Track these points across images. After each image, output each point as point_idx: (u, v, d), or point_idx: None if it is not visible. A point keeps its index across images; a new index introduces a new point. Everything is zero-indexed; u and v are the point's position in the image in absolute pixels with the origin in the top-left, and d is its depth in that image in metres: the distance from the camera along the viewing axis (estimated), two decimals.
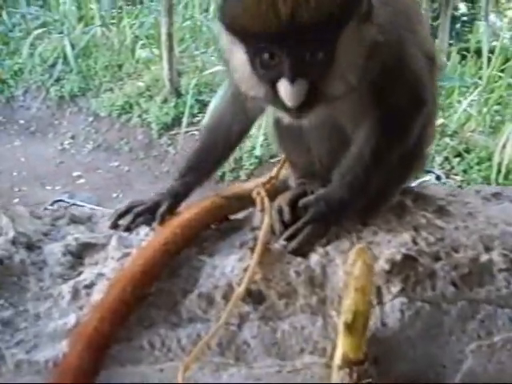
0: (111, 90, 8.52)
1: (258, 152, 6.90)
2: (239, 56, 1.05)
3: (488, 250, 1.18)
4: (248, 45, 1.02)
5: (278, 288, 1.06)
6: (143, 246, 1.08)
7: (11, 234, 1.08)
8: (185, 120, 7.29)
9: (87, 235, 1.12)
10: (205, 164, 1.39)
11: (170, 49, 7.85)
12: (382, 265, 1.10)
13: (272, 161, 7.08)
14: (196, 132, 7.67)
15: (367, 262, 1.01)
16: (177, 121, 7.93)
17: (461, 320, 1.06)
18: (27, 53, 9.16)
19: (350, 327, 0.97)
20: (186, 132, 7.45)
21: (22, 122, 9.07)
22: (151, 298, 1.03)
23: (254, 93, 1.09)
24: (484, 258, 1.15)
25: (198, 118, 7.77)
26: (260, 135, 6.84)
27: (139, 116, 8.14)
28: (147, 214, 1.23)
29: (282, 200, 1.30)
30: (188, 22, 9.61)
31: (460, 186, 4.94)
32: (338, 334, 0.99)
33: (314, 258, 1.13)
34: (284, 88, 1.01)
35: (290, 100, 1.01)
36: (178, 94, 8.06)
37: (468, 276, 1.12)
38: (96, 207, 4.91)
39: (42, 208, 1.26)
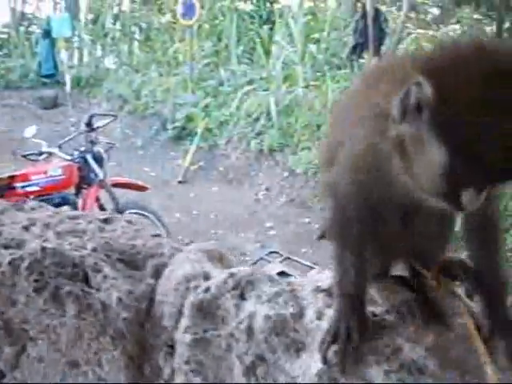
0: (309, 148, 8.85)
1: None
2: (436, 159, 1.05)
3: None
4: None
5: None
6: None
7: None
8: None
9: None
10: None
11: None
12: None
13: None
14: None
15: None
16: None
17: None
18: (235, 106, 9.88)
19: None
20: None
21: (221, 169, 9.73)
22: None
23: (430, 189, 1.10)
24: None
25: None
26: None
27: None
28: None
29: None
30: None
31: None
32: None
33: None
34: (470, 195, 1.06)
35: (471, 206, 1.08)
36: None
37: None
38: (311, 264, 5.11)
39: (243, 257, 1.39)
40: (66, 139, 6.58)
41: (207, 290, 1.33)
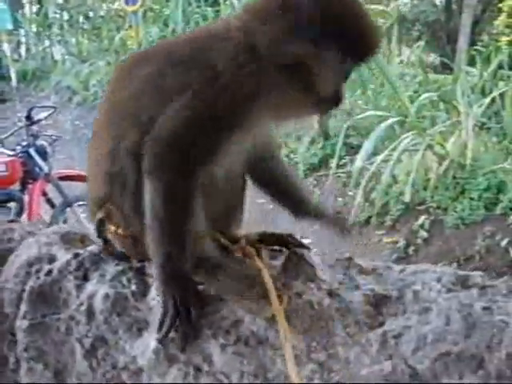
0: None
1: (406, 198, 6.79)
2: (329, 68, 1.26)
3: None
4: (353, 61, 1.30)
5: None
6: None
7: (316, 281, 1.18)
8: (335, 162, 7.37)
9: (380, 287, 1.19)
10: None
11: None
12: None
13: (419, 208, 6.99)
14: (342, 174, 7.76)
15: None
16: (323, 162, 8.07)
17: None
18: None
19: None
20: (334, 174, 7.54)
21: None
22: None
23: (323, 93, 1.28)
24: None
25: (344, 161, 7.86)
26: (409, 181, 6.77)
27: (287, 156, 8.36)
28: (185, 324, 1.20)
29: None
30: None
31: None
32: None
33: None
34: (343, 88, 1.32)
35: (344, 96, 1.32)
36: (326, 136, 8.21)
37: None
38: None
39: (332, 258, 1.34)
40: (8, 134, 6.42)
41: (49, 272, 1.26)
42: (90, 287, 1.22)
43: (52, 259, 1.31)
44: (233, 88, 1.20)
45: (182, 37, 1.76)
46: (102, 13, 14.55)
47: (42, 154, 6.20)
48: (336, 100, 1.32)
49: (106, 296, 1.18)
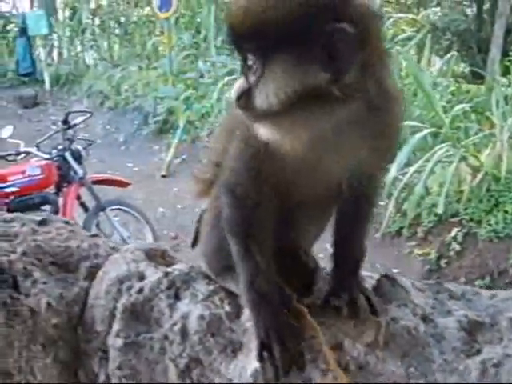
0: None
1: (439, 209, 6.73)
2: None
3: None
4: None
5: None
6: None
7: (410, 305, 1.18)
8: None
9: (472, 312, 1.18)
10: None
11: None
12: None
13: (452, 220, 6.92)
14: None
15: None
16: None
17: None
18: (215, 98, 9.80)
19: None
20: None
21: (204, 161, 9.65)
22: None
23: None
24: None
25: None
26: (442, 192, 6.72)
27: None
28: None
29: None
30: None
31: None
32: None
33: None
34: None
35: (233, 90, 1.15)
36: None
37: None
38: None
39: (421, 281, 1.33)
40: (44, 138, 6.52)
41: (140, 291, 1.27)
42: (182, 307, 1.24)
43: (141, 277, 1.33)
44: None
45: None
46: (134, 18, 14.70)
47: (77, 157, 6.27)
48: None
49: (201, 317, 1.19)
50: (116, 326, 1.26)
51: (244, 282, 1.20)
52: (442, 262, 6.58)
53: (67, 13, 15.70)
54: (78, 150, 6.32)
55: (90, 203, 6.28)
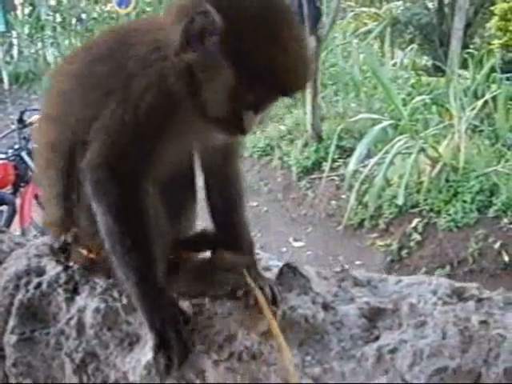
0: (253, 132, 8.78)
1: (399, 201, 6.78)
2: (224, 82, 1.11)
3: None
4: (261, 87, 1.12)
5: None
6: None
7: (311, 293, 1.15)
8: (328, 165, 7.37)
9: (375, 299, 1.17)
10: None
11: (314, 94, 8.04)
12: None
13: (412, 211, 6.99)
14: (336, 177, 7.76)
15: None
16: (317, 165, 8.06)
17: None
18: None
19: None
20: (327, 176, 7.54)
21: None
22: None
23: (217, 113, 1.15)
24: None
25: (337, 163, 7.86)
26: (402, 184, 6.77)
27: (280, 158, 8.36)
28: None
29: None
30: (330, 69, 9.80)
31: None
32: None
33: None
34: (249, 117, 1.15)
35: (248, 127, 1.16)
36: (319, 139, 8.21)
37: None
38: None
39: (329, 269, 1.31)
40: None
41: (38, 286, 1.23)
42: (80, 301, 1.20)
43: (41, 272, 1.28)
44: (143, 91, 1.13)
45: (115, 28, 1.61)
46: (94, 15, 14.50)
47: None
48: (238, 127, 1.16)
49: (97, 310, 1.16)
50: (11, 323, 1.22)
51: (135, 276, 1.15)
52: (404, 253, 6.65)
53: (26, 10, 15.42)
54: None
55: None
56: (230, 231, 1.36)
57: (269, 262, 1.33)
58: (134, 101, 1.13)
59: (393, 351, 1.06)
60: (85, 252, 1.25)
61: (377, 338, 1.10)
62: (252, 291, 1.10)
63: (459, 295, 1.17)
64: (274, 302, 1.16)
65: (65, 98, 1.27)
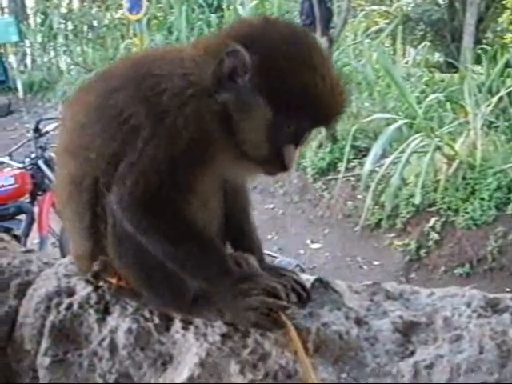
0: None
1: (416, 200, 6.74)
2: (262, 118, 1.11)
3: None
4: (296, 117, 1.11)
5: None
6: None
7: (343, 309, 1.15)
8: (343, 165, 7.34)
9: (408, 313, 1.16)
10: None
11: None
12: None
13: (430, 209, 6.94)
14: (351, 178, 7.72)
15: None
16: (332, 166, 8.04)
17: None
18: None
19: None
20: (343, 177, 7.51)
21: None
22: None
23: (257, 151, 1.14)
24: None
25: (353, 164, 7.82)
26: (419, 183, 6.73)
27: None
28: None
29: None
30: (343, 69, 9.75)
31: None
32: None
33: None
34: (290, 152, 1.14)
35: (290, 162, 1.15)
36: (334, 140, 8.18)
37: None
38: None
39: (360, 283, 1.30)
40: (16, 147, 6.43)
41: (69, 307, 1.23)
42: (111, 321, 1.20)
43: (72, 292, 1.29)
44: (180, 129, 1.11)
45: (131, 57, 1.54)
46: (106, 22, 14.59)
47: (51, 165, 6.20)
48: (279, 163, 1.14)
49: (129, 330, 1.16)
50: (44, 345, 1.22)
51: (217, 283, 1.16)
52: (422, 252, 6.60)
53: (39, 19, 15.54)
54: (51, 157, 6.24)
55: None
56: (243, 235, 1.38)
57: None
58: (169, 138, 1.11)
59: (429, 367, 1.05)
60: (114, 280, 1.25)
61: (412, 354, 1.09)
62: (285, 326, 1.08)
63: (493, 307, 1.15)
64: (303, 289, 1.19)
65: (83, 132, 1.24)
